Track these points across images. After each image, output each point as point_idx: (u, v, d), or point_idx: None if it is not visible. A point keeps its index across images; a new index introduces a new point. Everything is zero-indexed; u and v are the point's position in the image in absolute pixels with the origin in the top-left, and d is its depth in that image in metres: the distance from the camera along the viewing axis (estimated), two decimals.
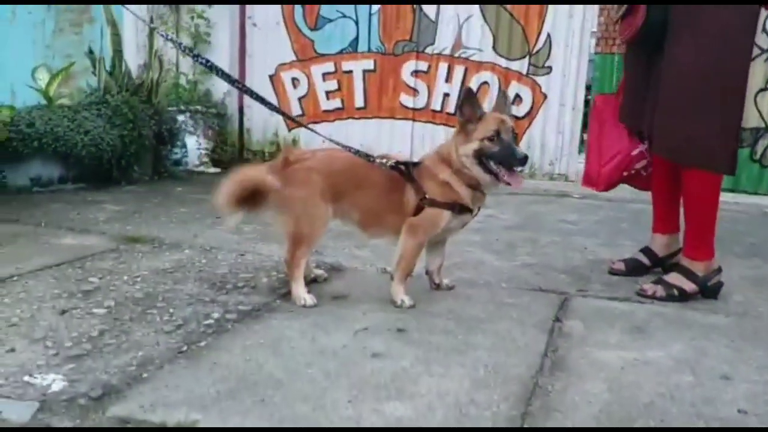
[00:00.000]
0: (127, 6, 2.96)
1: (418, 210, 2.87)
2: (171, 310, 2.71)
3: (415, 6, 7.36)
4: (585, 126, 7.39)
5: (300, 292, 2.88)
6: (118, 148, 5.74)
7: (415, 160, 3.02)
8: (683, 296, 3.15)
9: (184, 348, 2.34)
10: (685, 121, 3.09)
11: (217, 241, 3.92)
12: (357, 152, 2.96)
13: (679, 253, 3.43)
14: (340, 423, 1.86)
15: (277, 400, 1.98)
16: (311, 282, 3.15)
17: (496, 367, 2.28)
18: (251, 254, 3.67)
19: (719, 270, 3.22)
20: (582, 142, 7.45)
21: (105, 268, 3.26)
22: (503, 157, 2.76)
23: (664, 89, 3.15)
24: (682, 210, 3.36)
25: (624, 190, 5.99)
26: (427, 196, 2.85)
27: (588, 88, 7.53)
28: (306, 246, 2.89)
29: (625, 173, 3.61)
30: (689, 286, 3.17)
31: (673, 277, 3.22)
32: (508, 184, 2.78)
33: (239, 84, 3.42)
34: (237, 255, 3.63)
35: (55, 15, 8.61)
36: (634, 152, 3.57)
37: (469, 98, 2.84)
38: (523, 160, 2.76)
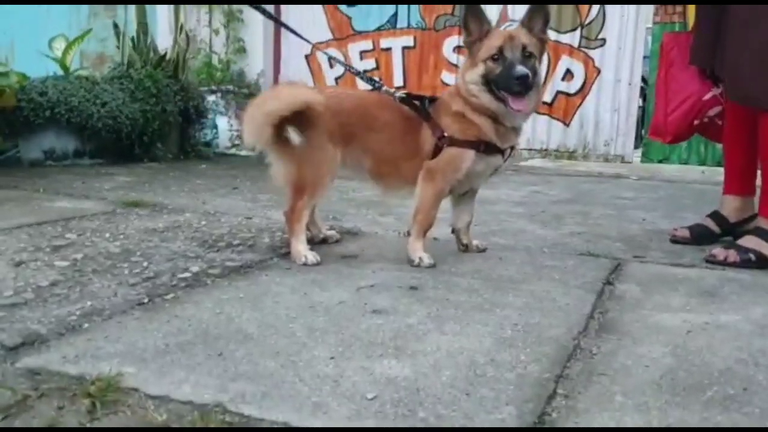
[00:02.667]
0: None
1: (437, 152, 2.41)
2: (145, 264, 2.31)
3: None
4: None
5: (300, 248, 2.44)
6: (140, 122, 5.40)
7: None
8: (762, 261, 2.61)
9: (145, 300, 1.93)
10: (761, 58, 2.57)
11: (226, 207, 3.52)
12: (359, 74, 2.53)
13: (754, 220, 2.89)
14: (312, 381, 1.41)
15: (239, 354, 1.54)
16: (320, 243, 2.73)
17: (528, 327, 1.80)
18: (259, 218, 3.25)
19: None
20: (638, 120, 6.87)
21: (90, 227, 2.89)
22: (502, 79, 2.27)
23: (734, 21, 2.64)
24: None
25: (687, 171, 5.37)
26: (445, 135, 2.39)
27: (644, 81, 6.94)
28: (309, 195, 2.46)
29: (696, 122, 3.07)
30: None
31: (749, 241, 2.69)
32: (513, 109, 2.29)
33: (280, 22, 3.02)
34: (243, 218, 3.22)
35: None
36: (706, 96, 3.03)
37: (473, 11, 2.35)
38: (522, 78, 2.22)
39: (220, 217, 3.25)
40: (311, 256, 2.42)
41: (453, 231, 2.72)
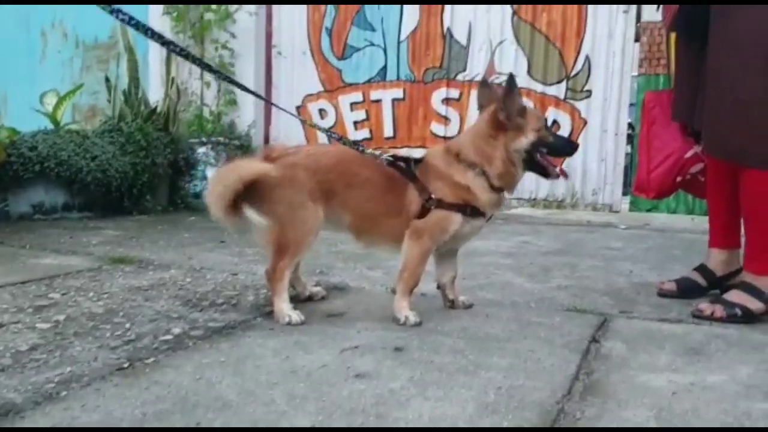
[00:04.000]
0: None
1: (424, 212, 2.43)
2: (127, 326, 2.28)
3: (445, 32, 7.02)
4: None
5: (283, 307, 2.43)
6: (129, 175, 5.42)
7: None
8: (748, 316, 2.61)
9: (125, 365, 1.90)
10: (740, 113, 2.61)
11: (212, 263, 3.51)
12: (342, 140, 2.57)
13: (740, 273, 2.89)
14: None
15: (217, 424, 1.52)
16: (305, 300, 2.71)
17: (511, 391, 1.79)
18: (244, 274, 3.24)
19: None
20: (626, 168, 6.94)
21: (74, 285, 2.87)
22: (560, 146, 2.62)
23: (713, 76, 2.68)
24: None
25: (676, 220, 5.40)
26: (433, 197, 2.41)
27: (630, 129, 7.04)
28: (291, 255, 2.45)
29: (678, 178, 3.11)
30: (755, 304, 2.63)
31: (735, 295, 2.69)
32: (565, 176, 2.65)
33: (265, 99, 3.08)
34: (228, 275, 3.21)
35: (83, 53, 8.56)
36: (688, 154, 3.08)
37: (515, 88, 2.46)
38: (576, 146, 2.80)
39: (205, 273, 3.23)
40: (295, 316, 2.41)
41: (438, 287, 2.71)
